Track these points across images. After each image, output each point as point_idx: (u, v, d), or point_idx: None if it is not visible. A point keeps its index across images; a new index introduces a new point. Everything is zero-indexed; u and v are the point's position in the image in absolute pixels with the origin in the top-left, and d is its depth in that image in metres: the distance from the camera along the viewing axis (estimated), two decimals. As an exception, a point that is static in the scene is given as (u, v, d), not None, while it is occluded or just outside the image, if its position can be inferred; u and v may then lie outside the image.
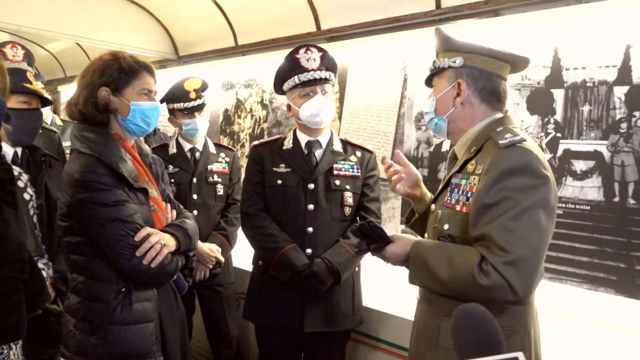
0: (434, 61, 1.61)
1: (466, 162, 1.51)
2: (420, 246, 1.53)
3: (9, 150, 2.13)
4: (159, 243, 1.65)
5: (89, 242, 1.64)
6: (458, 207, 1.48)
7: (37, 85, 2.27)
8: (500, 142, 1.40)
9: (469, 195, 1.44)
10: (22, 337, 1.51)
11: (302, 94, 2.15)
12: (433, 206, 1.64)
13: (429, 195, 1.81)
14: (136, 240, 1.61)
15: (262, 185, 2.22)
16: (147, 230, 1.65)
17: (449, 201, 1.52)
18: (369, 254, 1.71)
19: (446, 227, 1.50)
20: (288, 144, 2.25)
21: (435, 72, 1.62)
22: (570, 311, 2.11)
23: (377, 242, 1.59)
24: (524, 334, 1.45)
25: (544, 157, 1.43)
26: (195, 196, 2.69)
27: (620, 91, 2.08)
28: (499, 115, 1.55)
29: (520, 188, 1.34)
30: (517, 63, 1.60)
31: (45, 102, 2.24)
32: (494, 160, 1.39)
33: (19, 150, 2.17)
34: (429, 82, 1.68)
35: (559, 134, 2.25)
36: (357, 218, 2.22)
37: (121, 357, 1.64)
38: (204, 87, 2.75)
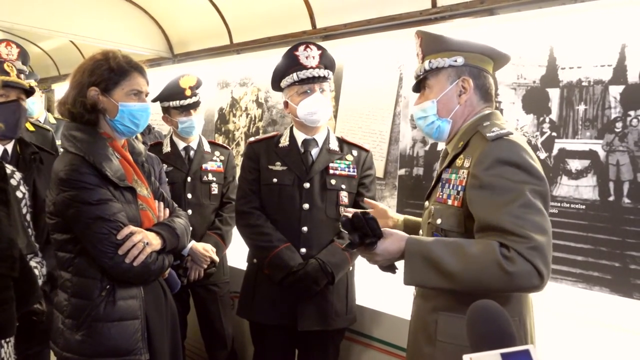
0: (429, 62, 1.57)
1: (455, 157, 1.53)
2: (417, 242, 1.44)
3: None
4: (141, 242, 1.65)
5: (74, 239, 1.66)
6: (450, 202, 1.49)
7: (15, 75, 2.21)
8: (487, 135, 1.42)
9: (459, 189, 1.46)
10: (12, 334, 1.49)
11: (300, 92, 2.15)
12: (427, 203, 1.66)
13: (401, 219, 1.86)
14: (118, 239, 1.62)
15: (257, 182, 2.21)
16: (130, 228, 1.65)
17: (440, 196, 1.54)
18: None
19: (439, 221, 1.51)
20: (284, 141, 2.24)
21: (428, 74, 1.59)
22: (565, 310, 2.11)
23: (369, 236, 1.42)
24: (519, 325, 1.46)
25: (530, 149, 1.45)
26: (189, 195, 2.67)
27: (615, 90, 2.08)
28: (487, 111, 1.57)
29: (514, 179, 1.36)
30: (501, 60, 1.63)
31: (27, 92, 2.20)
32: (482, 153, 1.41)
33: (9, 147, 2.15)
34: (417, 86, 1.66)
35: (554, 133, 2.25)
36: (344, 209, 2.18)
37: (106, 354, 1.64)
38: (198, 84, 2.73)
